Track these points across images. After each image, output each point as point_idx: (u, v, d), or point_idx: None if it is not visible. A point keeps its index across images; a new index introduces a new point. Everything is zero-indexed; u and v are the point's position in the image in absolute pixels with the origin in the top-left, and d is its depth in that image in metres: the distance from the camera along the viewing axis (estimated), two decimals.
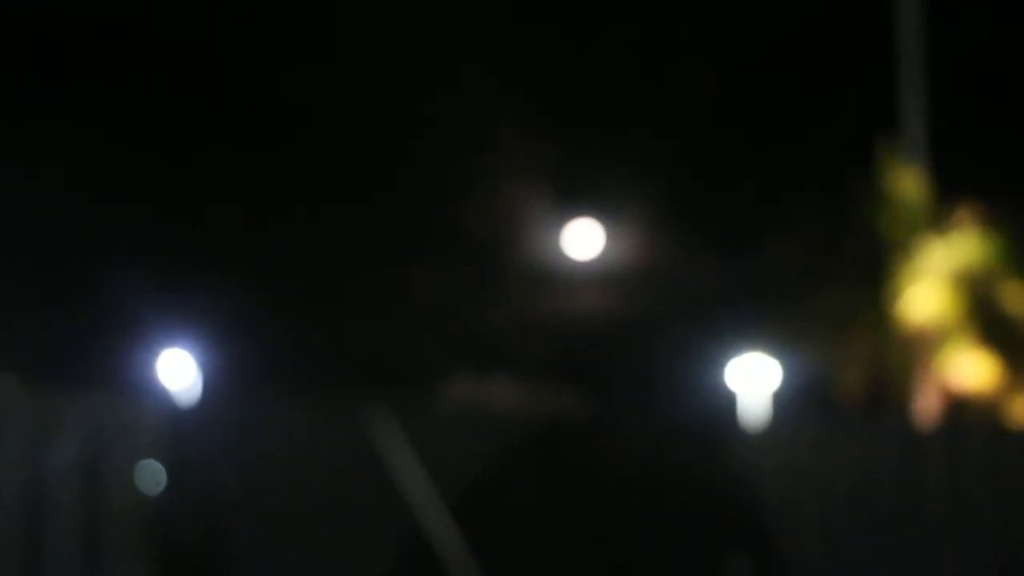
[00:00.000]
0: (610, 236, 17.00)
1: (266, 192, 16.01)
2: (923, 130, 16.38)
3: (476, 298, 15.87)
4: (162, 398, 5.46)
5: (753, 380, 20.17)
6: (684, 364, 16.52)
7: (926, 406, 15.07)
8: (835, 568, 6.52)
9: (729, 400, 17.60)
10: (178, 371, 15.29)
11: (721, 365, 17.62)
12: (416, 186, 16.29)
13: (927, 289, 15.44)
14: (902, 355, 15.10)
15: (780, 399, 17.26)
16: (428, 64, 15.40)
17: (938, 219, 15.84)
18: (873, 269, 15.63)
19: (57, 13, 14.18)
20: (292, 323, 14.94)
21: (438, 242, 16.34)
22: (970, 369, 15.27)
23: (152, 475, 5.30)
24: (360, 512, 5.43)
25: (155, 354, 15.53)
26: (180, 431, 5.28)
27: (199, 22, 14.95)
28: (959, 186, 15.84)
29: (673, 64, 16.81)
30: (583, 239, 16.94)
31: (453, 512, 5.49)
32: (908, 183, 15.81)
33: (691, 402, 15.56)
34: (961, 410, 15.08)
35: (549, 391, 13.20)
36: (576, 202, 17.12)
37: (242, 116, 15.89)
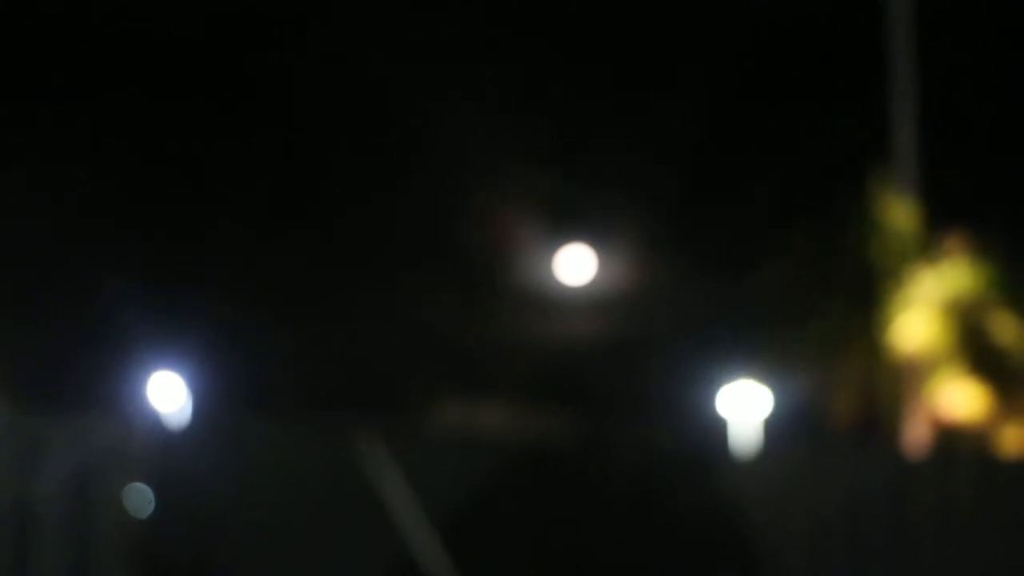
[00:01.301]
0: (602, 260, 17.06)
1: (258, 211, 16.02)
2: (914, 158, 16.49)
3: (468, 320, 15.89)
4: (151, 420, 5.46)
5: (744, 405, 20.19)
6: (675, 389, 16.55)
7: (915, 434, 15.11)
8: None
9: (720, 425, 17.62)
10: (167, 393, 15.25)
11: (712, 390, 17.65)
12: (408, 208, 16.33)
13: (917, 317, 15.51)
14: (892, 383, 15.16)
15: (770, 425, 17.28)
16: (422, 84, 15.47)
17: (929, 247, 15.92)
18: (864, 296, 15.70)
19: (41, 16, 14.17)
20: (283, 344, 14.94)
21: (429, 264, 16.38)
22: (960, 398, 15.33)
23: (140, 498, 5.29)
24: (349, 536, 5.43)
25: (145, 375, 15.50)
26: (169, 453, 5.28)
27: (192, 29, 14.98)
28: (950, 215, 15.95)
29: (665, 89, 16.92)
30: (575, 263, 17.01)
31: (442, 536, 5.49)
32: (899, 211, 15.89)
33: (682, 427, 15.56)
34: (950, 439, 15.13)
35: (539, 415, 13.23)
36: (568, 225, 17.20)
37: (233, 132, 15.91)
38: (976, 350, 15.24)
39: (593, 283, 16.88)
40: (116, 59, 14.94)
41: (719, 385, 18.72)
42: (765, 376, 16.94)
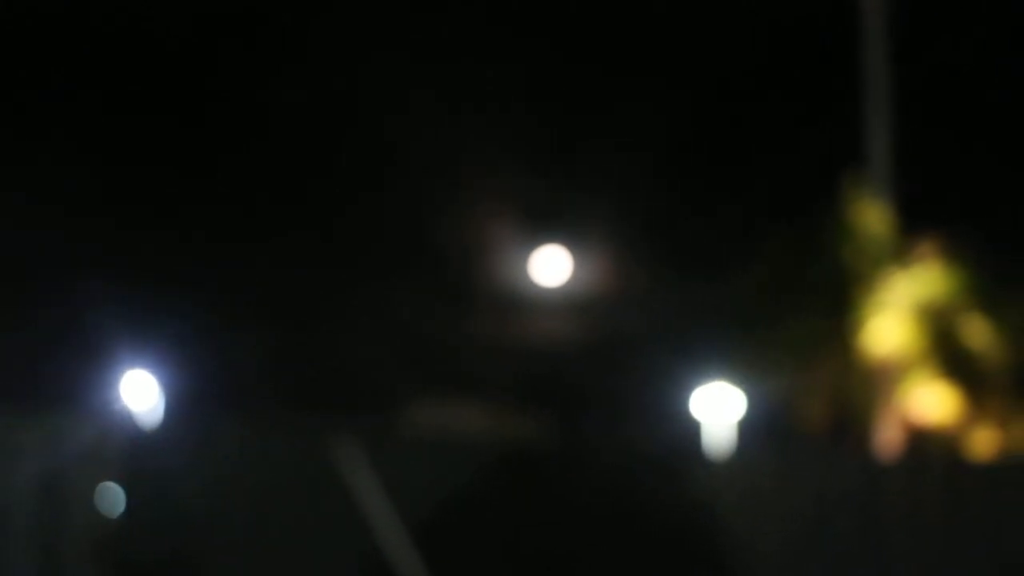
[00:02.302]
0: (578, 262, 17.09)
1: (235, 210, 15.97)
2: (888, 164, 16.60)
3: (444, 321, 15.89)
4: (123, 420, 5.42)
5: (718, 408, 20.26)
6: (651, 391, 16.61)
7: (887, 437, 15.20)
8: None
9: (694, 428, 17.66)
10: (140, 393, 15.15)
11: (687, 392, 17.69)
12: (384, 210, 16.31)
13: (890, 321, 15.60)
14: (864, 386, 15.24)
15: (744, 427, 17.34)
16: (399, 86, 15.46)
17: (902, 252, 16.01)
18: (837, 300, 15.77)
19: (17, 19, 14.07)
20: (259, 345, 14.89)
21: (406, 265, 16.37)
22: (931, 402, 15.43)
23: (112, 497, 5.26)
24: (322, 537, 5.42)
25: (118, 375, 15.39)
26: (141, 453, 5.25)
27: (169, 34, 14.91)
28: (923, 219, 16.07)
29: (642, 93, 16.96)
30: (551, 264, 17.04)
31: (417, 538, 5.49)
32: (872, 215, 15.98)
33: (657, 429, 15.60)
34: (922, 442, 15.22)
35: (515, 416, 13.24)
36: (545, 227, 17.23)
37: (209, 131, 15.85)
38: (948, 354, 15.33)
39: (570, 285, 16.91)
40: (90, 58, 14.85)
41: (694, 387, 18.79)
42: (739, 379, 17.01)
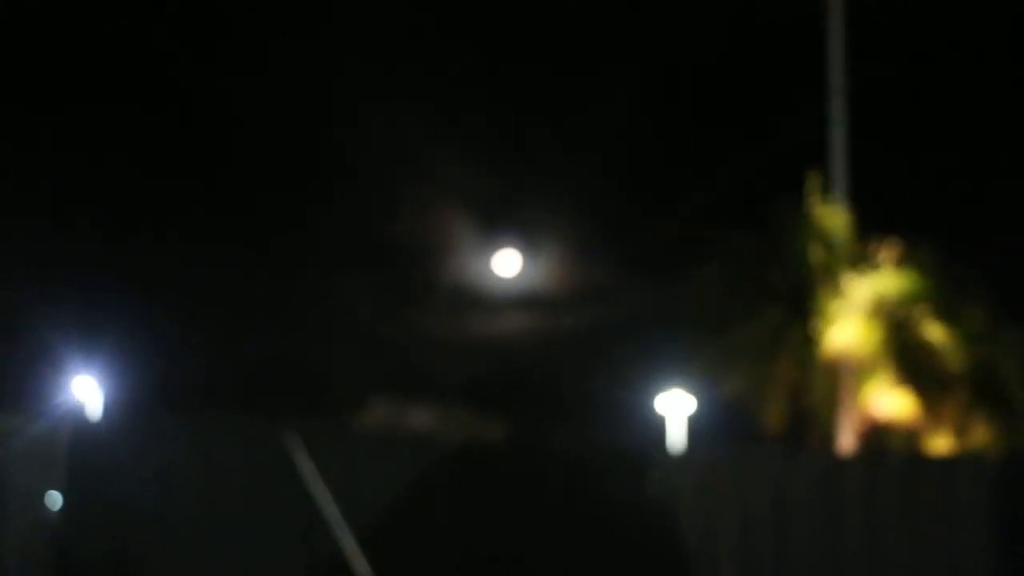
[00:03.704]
0: (536, 262, 17.11)
1: (191, 213, 15.87)
2: (848, 168, 16.79)
3: (399, 321, 15.85)
4: (70, 418, 5.36)
5: (678, 406, 20.37)
6: (609, 390, 16.66)
7: (846, 434, 15.37)
8: None
9: (653, 425, 17.74)
10: (87, 394, 15.00)
11: (646, 391, 17.77)
12: (342, 210, 16.26)
13: (849, 322, 15.74)
14: (824, 384, 15.38)
15: (703, 425, 17.44)
16: (360, 90, 15.44)
17: (861, 255, 16.17)
18: (797, 300, 15.90)
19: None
20: (211, 347, 14.79)
21: (362, 264, 16.33)
22: (888, 399, 15.61)
23: (56, 495, 5.20)
24: (270, 533, 5.36)
25: (65, 377, 15.23)
26: (86, 451, 5.18)
27: (135, 38, 14.82)
28: (882, 224, 16.30)
29: (603, 94, 17.05)
30: (508, 264, 17.02)
31: (366, 534, 5.44)
32: (833, 219, 16.12)
33: (617, 426, 15.67)
34: (879, 438, 15.40)
35: (468, 415, 13.20)
36: (502, 227, 17.24)
37: (168, 133, 15.73)
38: (904, 354, 15.52)
39: (527, 284, 16.91)
40: (58, 61, 14.74)
41: (654, 386, 18.89)
42: (700, 377, 17.10)
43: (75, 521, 5.12)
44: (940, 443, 15.77)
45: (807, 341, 15.77)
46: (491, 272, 17.12)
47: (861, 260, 16.32)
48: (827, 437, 15.16)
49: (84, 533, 5.10)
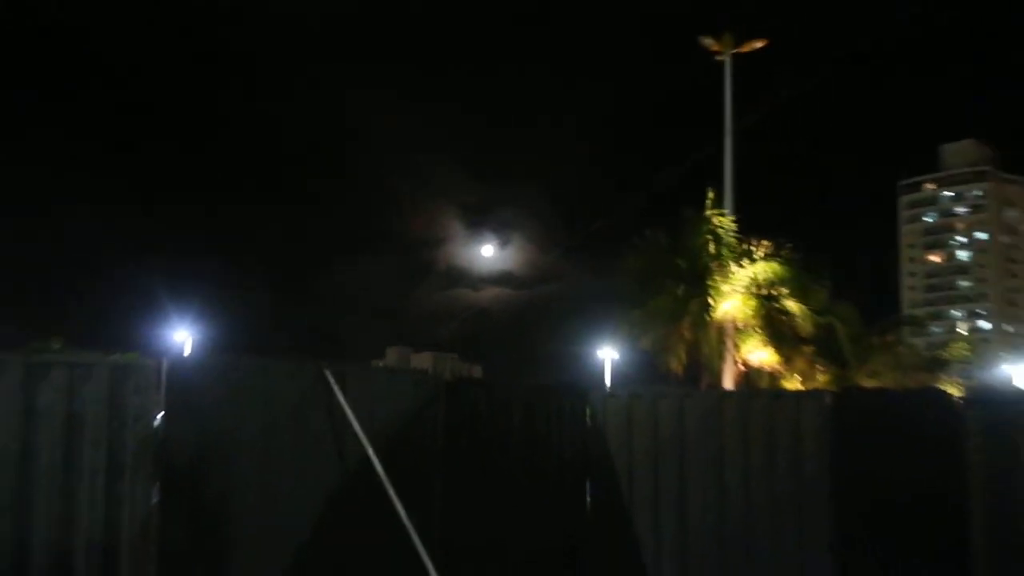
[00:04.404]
0: (508, 251, 17.12)
1: (252, 203, 15.68)
2: (734, 188, 17.05)
3: (406, 293, 15.81)
4: (167, 356, 5.29)
5: (609, 356, 20.51)
6: (560, 344, 16.76)
7: (728, 377, 15.60)
8: (662, 493, 6.62)
9: (593, 370, 17.78)
10: (182, 339, 14.89)
11: (587, 345, 17.82)
12: (365, 213, 16.16)
13: (732, 297, 15.91)
14: (713, 341, 15.58)
15: (627, 370, 17.46)
16: (385, 113, 15.29)
17: (742, 250, 16.34)
18: (696, 281, 16.06)
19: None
20: (272, 308, 14.68)
21: (379, 252, 16.25)
22: (758, 353, 15.87)
23: (159, 412, 5.16)
24: (311, 443, 5.34)
25: (167, 327, 15.08)
26: (176, 379, 5.12)
27: (179, 42, 14.53)
28: (756, 229, 16.68)
29: (558, 135, 17.07)
30: (487, 252, 17.05)
31: (382, 442, 5.43)
32: (723, 223, 16.26)
33: (564, 370, 15.66)
34: (751, 380, 15.68)
35: (456, 360, 13.19)
36: (484, 226, 17.24)
37: (251, 160, 15.53)
38: (770, 321, 15.77)
39: (503, 267, 16.92)
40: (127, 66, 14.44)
41: (594, 342, 18.93)
42: (626, 335, 17.29)
43: (172, 431, 5.07)
44: (793, 384, 16.02)
45: (702, 310, 15.90)
46: (475, 257, 17.09)
47: (742, 254, 16.47)
48: (715, 379, 15.35)
49: (179, 440, 5.05)
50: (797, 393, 8.28)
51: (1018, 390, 21.70)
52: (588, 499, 6.64)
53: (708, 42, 17.76)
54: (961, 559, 6.41)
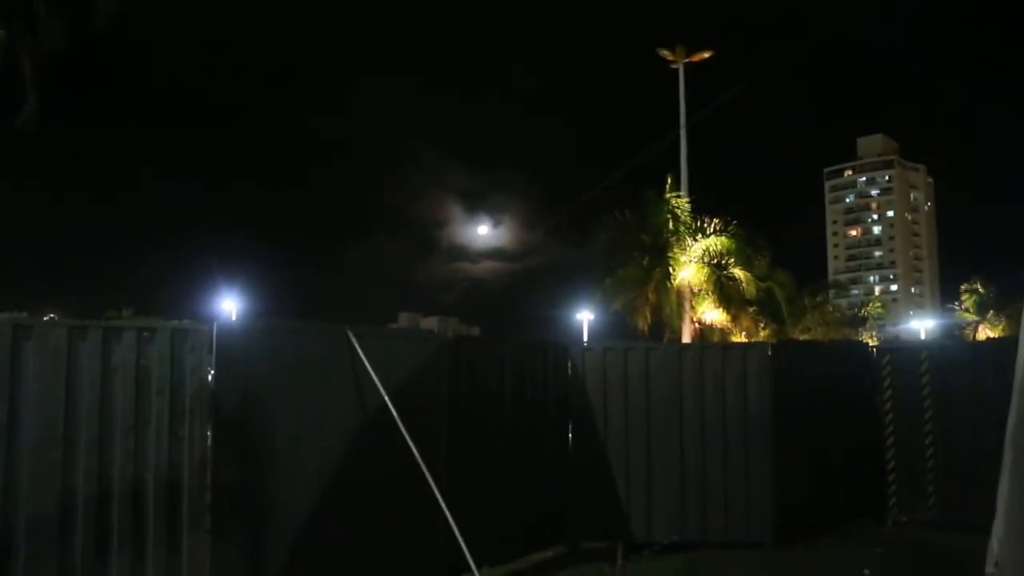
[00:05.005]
0: (500, 230, 17.00)
1: (289, 191, 15.47)
2: (689, 174, 16.94)
3: (415, 266, 15.70)
4: (217, 321, 5.20)
5: (586, 317, 20.46)
6: (544, 307, 16.75)
7: (686, 333, 15.61)
8: (632, 431, 6.60)
9: (572, 329, 17.73)
10: (230, 306, 14.76)
11: (567, 308, 17.75)
12: (381, 199, 15.98)
13: (689, 266, 15.89)
14: (673, 303, 15.62)
15: (601, 328, 17.43)
16: (400, 119, 15.06)
17: (696, 226, 16.32)
18: (658, 253, 16.05)
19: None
20: (305, 279, 14.54)
21: (393, 231, 16.12)
22: (711, 313, 15.91)
23: (209, 369, 5.07)
24: (336, 394, 5.29)
25: (216, 296, 14.94)
26: (227, 339, 5.05)
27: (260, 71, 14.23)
28: (709, 208, 16.64)
29: (542, 129, 16.86)
30: (483, 231, 16.91)
31: (396, 394, 5.38)
32: (680, 204, 16.21)
33: (547, 329, 15.60)
34: (705, 335, 15.73)
35: (458, 322, 13.11)
36: (480, 208, 17.12)
37: (284, 143, 15.22)
38: (720, 286, 15.79)
39: (498, 242, 16.83)
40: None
41: (572, 305, 18.88)
42: (600, 299, 17.30)
43: (221, 383, 5.01)
44: (739, 338, 16.02)
45: (664, 278, 15.91)
46: (472, 236, 16.98)
47: (696, 230, 16.44)
48: (675, 335, 15.37)
49: (227, 390, 4.99)
50: (744, 345, 8.25)
51: (920, 340, 21.99)
52: (570, 436, 6.62)
53: (664, 53, 17.56)
54: (877, 449, 7.26)
